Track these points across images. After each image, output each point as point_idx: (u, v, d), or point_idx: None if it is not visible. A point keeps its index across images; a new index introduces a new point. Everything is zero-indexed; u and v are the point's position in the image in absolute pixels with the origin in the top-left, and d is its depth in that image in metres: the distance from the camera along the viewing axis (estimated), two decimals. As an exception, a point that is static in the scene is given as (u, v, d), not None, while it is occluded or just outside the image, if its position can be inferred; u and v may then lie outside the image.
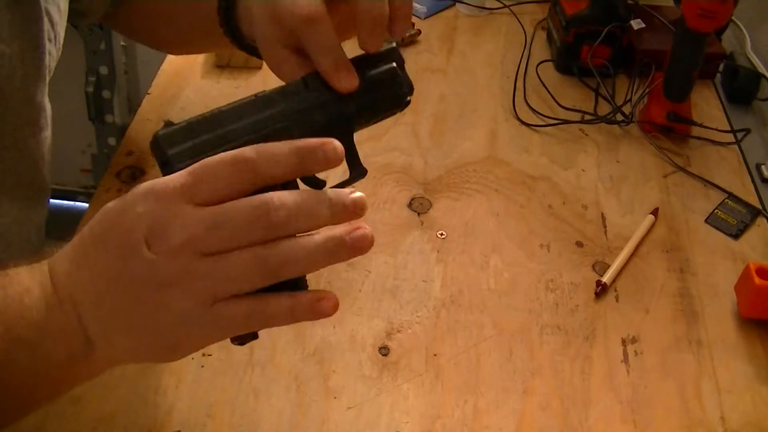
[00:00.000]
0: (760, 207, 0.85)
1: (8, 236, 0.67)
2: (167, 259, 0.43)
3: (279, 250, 0.44)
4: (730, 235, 0.81)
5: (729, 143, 0.93)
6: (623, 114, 0.94)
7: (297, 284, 0.46)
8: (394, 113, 0.55)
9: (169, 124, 0.48)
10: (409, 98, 0.55)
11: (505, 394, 0.64)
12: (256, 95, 0.51)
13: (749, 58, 1.07)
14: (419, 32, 1.06)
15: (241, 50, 0.68)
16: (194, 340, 0.46)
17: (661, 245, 0.79)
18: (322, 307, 0.46)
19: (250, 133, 0.49)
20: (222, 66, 0.96)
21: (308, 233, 0.45)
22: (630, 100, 0.96)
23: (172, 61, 0.97)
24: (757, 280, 0.70)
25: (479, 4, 1.13)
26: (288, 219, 0.44)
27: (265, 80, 0.95)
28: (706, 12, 0.84)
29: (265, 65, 0.97)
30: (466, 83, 0.99)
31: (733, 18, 1.11)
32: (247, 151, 0.44)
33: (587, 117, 0.95)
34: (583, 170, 0.88)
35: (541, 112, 0.95)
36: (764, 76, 1.03)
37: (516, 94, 0.97)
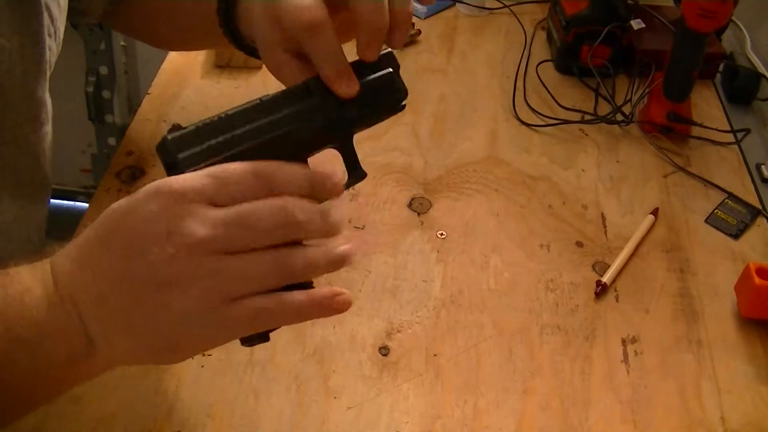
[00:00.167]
0: (760, 207, 0.85)
1: (9, 234, 0.67)
2: (186, 257, 0.43)
3: (300, 253, 0.46)
4: (730, 235, 0.81)
5: (729, 143, 0.93)
6: (623, 114, 0.94)
7: (304, 285, 0.47)
8: (389, 117, 0.56)
9: (176, 127, 0.48)
10: (404, 103, 0.55)
11: (505, 394, 0.64)
12: (261, 99, 0.51)
13: (749, 58, 1.07)
14: (419, 32, 1.06)
15: (240, 51, 0.68)
16: (201, 340, 0.47)
17: (661, 245, 0.79)
18: (338, 303, 0.47)
19: (256, 137, 0.50)
20: (222, 66, 0.96)
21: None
22: (630, 100, 0.96)
23: (172, 60, 0.97)
24: (757, 280, 0.70)
25: (479, 4, 1.13)
26: (306, 223, 0.45)
27: (265, 80, 0.95)
28: (706, 12, 0.84)
29: (264, 65, 0.97)
30: (466, 83, 0.99)
31: (733, 18, 1.11)
32: (269, 166, 0.46)
33: (587, 117, 0.95)
34: (583, 170, 0.88)
35: (541, 112, 0.95)
36: (764, 76, 1.03)
37: (516, 94, 0.97)
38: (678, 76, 0.91)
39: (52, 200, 0.75)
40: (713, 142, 0.93)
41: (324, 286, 0.47)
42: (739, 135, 0.93)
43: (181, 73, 0.95)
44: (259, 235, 0.44)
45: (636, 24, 1.00)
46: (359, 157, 0.55)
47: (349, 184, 0.54)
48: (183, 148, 0.47)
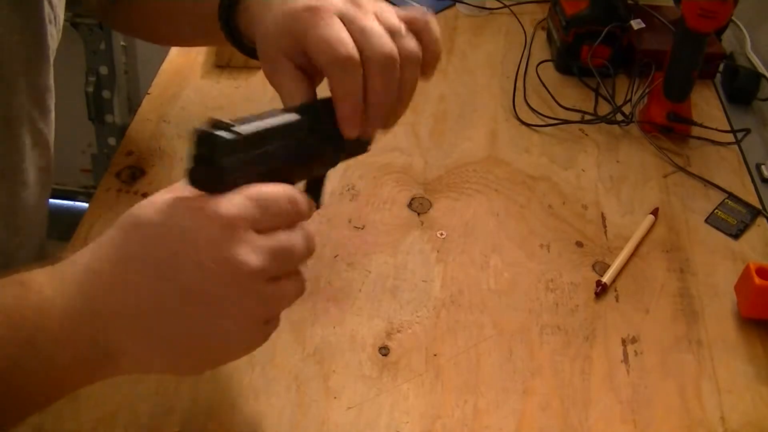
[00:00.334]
0: (760, 207, 0.85)
1: (24, 225, 0.68)
2: (235, 283, 0.45)
3: (304, 275, 0.50)
4: (730, 235, 0.81)
5: (729, 143, 0.93)
6: (623, 114, 0.94)
7: None
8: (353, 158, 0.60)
9: (220, 124, 0.47)
10: (370, 147, 0.60)
11: (505, 394, 0.64)
12: (299, 116, 0.53)
13: (749, 58, 1.07)
14: (419, 32, 1.06)
15: (238, 50, 0.68)
16: (233, 356, 0.49)
17: (661, 245, 0.79)
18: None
19: (289, 157, 0.52)
20: (222, 66, 0.96)
21: None
22: (630, 100, 0.96)
23: (172, 61, 0.97)
24: (757, 280, 0.70)
25: (479, 4, 1.13)
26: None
27: (265, 80, 0.95)
28: (706, 12, 0.84)
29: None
30: (466, 83, 0.99)
31: (733, 18, 1.11)
32: (296, 193, 0.49)
33: (587, 117, 0.95)
34: (583, 170, 0.88)
35: (541, 112, 0.95)
36: (764, 76, 1.03)
37: (516, 94, 0.97)
38: (678, 76, 0.91)
39: (51, 200, 0.75)
40: (713, 142, 0.93)
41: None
42: (739, 135, 0.93)
43: (181, 73, 0.95)
44: (294, 263, 0.49)
45: (636, 24, 1.01)
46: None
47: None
48: (230, 153, 0.46)
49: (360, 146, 0.59)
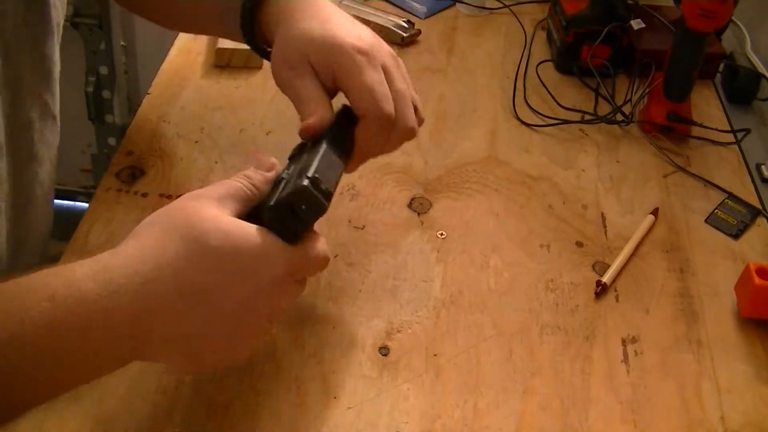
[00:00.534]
0: (760, 207, 0.85)
1: (36, 200, 0.70)
2: (268, 321, 0.53)
3: None
4: (730, 235, 0.81)
5: (729, 143, 0.93)
6: (623, 114, 0.94)
7: None
8: None
9: (315, 182, 0.53)
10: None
11: (505, 394, 0.64)
12: (330, 156, 0.58)
13: (749, 58, 1.07)
14: (419, 32, 1.06)
15: (248, 44, 0.70)
16: (241, 358, 0.55)
17: (661, 245, 0.79)
18: None
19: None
20: (222, 66, 0.96)
21: None
22: (630, 100, 0.96)
23: (172, 61, 0.97)
24: (757, 280, 0.70)
25: (479, 4, 1.13)
26: None
27: (265, 80, 0.95)
28: (706, 12, 0.84)
29: (265, 65, 0.98)
30: (466, 83, 0.99)
31: (733, 18, 1.11)
32: (328, 250, 0.56)
33: (587, 117, 0.95)
34: (583, 170, 0.88)
35: (541, 112, 0.95)
36: (764, 76, 1.03)
37: (516, 94, 0.97)
38: (678, 76, 0.91)
39: (51, 200, 0.75)
40: (713, 142, 0.93)
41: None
42: (739, 135, 0.93)
43: (181, 73, 0.95)
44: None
45: (636, 24, 1.01)
46: None
47: None
48: (317, 214, 0.54)
49: None
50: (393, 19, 1.06)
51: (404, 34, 1.04)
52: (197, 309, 0.49)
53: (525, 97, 0.97)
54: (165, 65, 0.97)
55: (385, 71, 0.61)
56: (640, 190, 0.86)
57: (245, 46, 0.94)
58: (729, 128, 0.96)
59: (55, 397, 0.49)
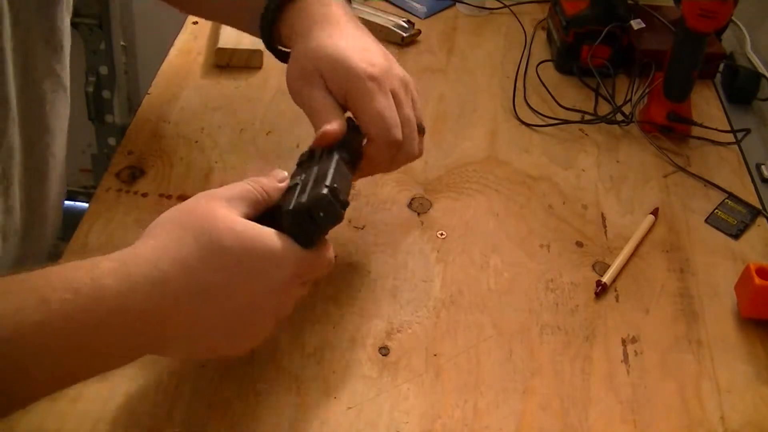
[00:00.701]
0: (760, 207, 0.85)
1: (50, 173, 0.71)
2: (270, 315, 0.55)
3: None
4: (730, 235, 0.81)
5: (729, 143, 0.93)
6: (623, 114, 0.94)
7: None
8: None
9: (334, 191, 0.56)
10: None
11: (505, 394, 0.64)
12: (342, 167, 0.60)
13: (749, 58, 1.07)
14: (419, 32, 1.06)
15: (264, 43, 0.71)
16: (247, 349, 0.57)
17: (661, 245, 0.79)
18: None
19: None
20: (222, 66, 0.96)
21: None
22: (630, 100, 0.96)
23: (172, 61, 0.97)
24: (757, 280, 0.70)
25: (479, 4, 1.13)
26: None
27: (265, 81, 0.95)
28: (706, 12, 0.84)
29: (265, 65, 0.98)
30: (466, 83, 0.99)
31: (733, 18, 1.11)
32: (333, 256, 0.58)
33: (587, 117, 0.95)
34: (583, 170, 0.88)
35: (541, 112, 0.95)
36: (764, 76, 1.03)
37: (516, 94, 0.97)
38: (678, 76, 0.91)
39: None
40: (713, 142, 0.93)
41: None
42: (739, 135, 0.93)
43: (181, 73, 0.95)
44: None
45: (636, 24, 1.00)
46: None
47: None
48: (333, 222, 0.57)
49: None
50: (393, 19, 1.06)
51: (404, 34, 1.04)
52: (209, 307, 0.51)
53: (525, 97, 0.97)
54: (165, 65, 0.97)
55: (394, 97, 0.64)
56: (640, 190, 0.86)
57: (245, 46, 0.95)
58: (729, 128, 0.96)
59: (64, 388, 0.51)
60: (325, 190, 0.55)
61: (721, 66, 1.04)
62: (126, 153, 0.83)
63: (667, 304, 0.73)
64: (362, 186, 0.81)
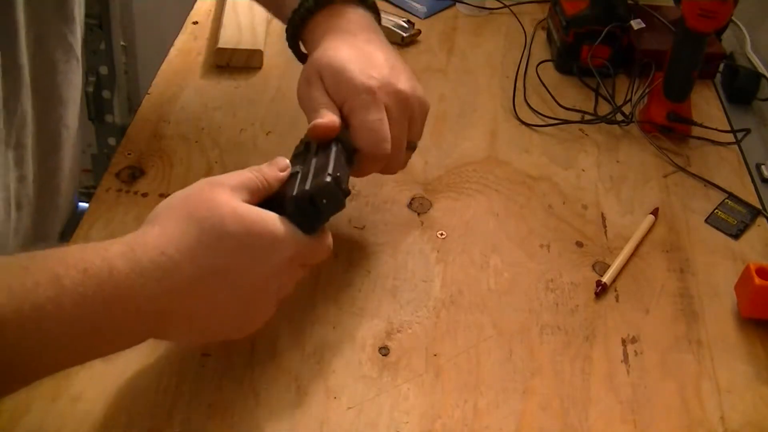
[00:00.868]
0: (760, 207, 0.85)
1: (63, 144, 0.73)
2: (272, 293, 0.57)
3: None
4: (730, 235, 0.81)
5: (729, 143, 0.93)
6: (623, 114, 0.94)
7: None
8: None
9: (337, 179, 0.58)
10: None
11: (505, 394, 0.64)
12: (341, 158, 0.62)
13: (749, 58, 1.07)
14: (419, 32, 1.06)
15: (289, 45, 0.74)
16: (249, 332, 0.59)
17: (661, 245, 0.79)
18: None
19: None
20: (222, 66, 0.96)
21: None
22: (630, 100, 0.96)
23: (172, 61, 0.97)
24: (757, 280, 0.70)
25: (479, 4, 1.13)
26: None
27: (266, 80, 0.95)
28: (706, 12, 0.84)
29: (265, 65, 0.98)
30: (466, 83, 0.99)
31: (733, 18, 1.11)
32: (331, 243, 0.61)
33: (587, 117, 0.95)
34: (583, 170, 0.88)
35: (541, 112, 0.95)
36: (764, 76, 1.03)
37: (516, 94, 0.97)
38: (678, 76, 0.91)
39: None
40: (713, 142, 0.93)
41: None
42: (739, 135, 0.93)
43: (181, 73, 0.95)
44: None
45: (636, 24, 1.00)
46: None
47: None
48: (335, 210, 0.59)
49: None
50: (393, 19, 1.06)
51: (404, 34, 1.04)
52: (215, 290, 0.53)
53: (525, 97, 0.97)
54: (165, 65, 0.97)
55: (388, 111, 0.65)
56: (640, 190, 0.86)
57: (245, 46, 0.95)
58: (729, 128, 0.96)
59: (71, 366, 0.52)
60: (328, 178, 0.57)
61: (721, 66, 1.04)
62: (126, 153, 0.83)
63: (667, 304, 0.73)
64: (362, 186, 0.81)
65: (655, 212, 0.82)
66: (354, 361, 0.65)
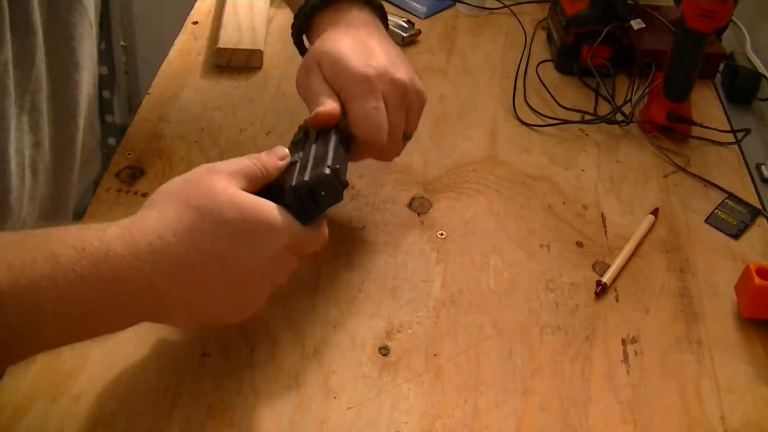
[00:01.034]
0: (760, 207, 0.85)
1: (78, 110, 0.73)
2: (268, 280, 0.58)
3: None
4: (730, 235, 0.81)
5: (729, 143, 0.93)
6: (623, 114, 0.94)
7: None
8: None
9: (336, 172, 0.58)
10: None
11: (505, 394, 0.64)
12: (339, 149, 0.62)
13: (749, 58, 1.07)
14: (419, 32, 1.06)
15: (294, 38, 0.75)
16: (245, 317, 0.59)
17: (661, 245, 0.79)
18: None
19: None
20: (222, 66, 0.96)
21: None
22: (630, 100, 0.96)
23: (172, 61, 0.97)
24: (757, 280, 0.70)
25: (479, 4, 1.13)
26: None
27: (266, 80, 0.95)
28: (706, 12, 0.84)
29: (265, 65, 0.98)
30: (466, 83, 0.99)
31: (733, 18, 1.11)
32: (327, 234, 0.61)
33: (587, 117, 0.95)
34: (583, 170, 0.88)
35: (541, 112, 0.95)
36: (764, 76, 1.03)
37: (516, 94, 0.97)
38: (678, 76, 0.91)
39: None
40: (713, 142, 0.93)
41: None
42: (739, 135, 0.93)
43: (181, 73, 0.95)
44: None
45: (636, 24, 1.00)
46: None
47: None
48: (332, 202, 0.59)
49: None
50: (393, 19, 1.06)
51: (404, 34, 1.04)
52: (211, 275, 0.54)
53: (525, 97, 0.97)
54: (165, 65, 0.97)
55: (386, 100, 0.66)
56: (640, 190, 0.86)
57: (245, 46, 0.95)
58: (729, 128, 0.96)
59: (67, 343, 0.52)
60: (327, 171, 0.58)
61: (721, 66, 1.04)
62: (126, 153, 0.83)
63: (667, 304, 0.73)
64: (362, 186, 0.81)
65: (655, 212, 0.82)
66: (354, 361, 0.65)
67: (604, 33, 0.98)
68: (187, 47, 1.00)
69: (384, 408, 0.62)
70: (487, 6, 1.14)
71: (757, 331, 0.72)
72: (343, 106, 0.65)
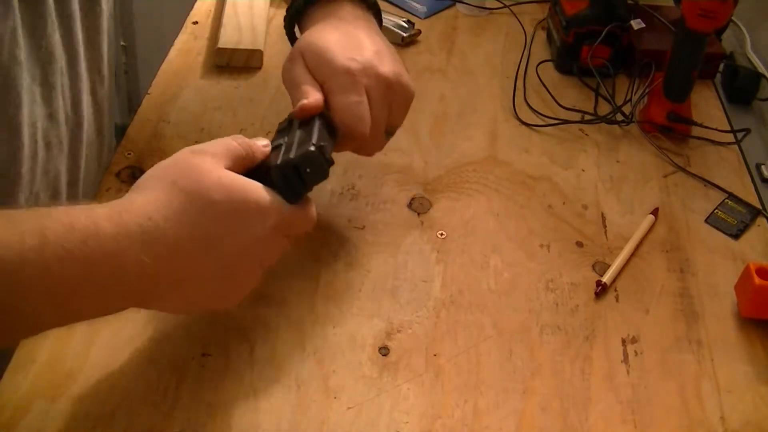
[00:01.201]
0: (760, 207, 0.85)
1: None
2: (261, 266, 0.58)
3: None
4: (730, 235, 0.81)
5: (729, 143, 0.93)
6: (623, 114, 0.94)
7: None
8: None
9: (322, 148, 0.59)
10: None
11: (505, 394, 0.64)
12: (324, 132, 0.62)
13: (749, 58, 1.07)
14: (419, 32, 1.06)
15: (286, 32, 0.76)
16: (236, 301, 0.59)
17: (661, 245, 0.79)
18: None
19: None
20: (222, 66, 0.96)
21: None
22: (630, 100, 0.96)
23: (172, 61, 0.97)
24: (757, 280, 0.70)
25: (479, 4, 1.13)
26: None
27: (266, 80, 0.95)
28: (706, 12, 0.84)
29: (265, 65, 0.98)
30: (466, 83, 0.99)
31: (733, 18, 1.11)
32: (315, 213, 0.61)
33: (587, 117, 0.95)
34: (583, 170, 0.88)
35: (541, 112, 0.95)
36: (764, 76, 1.03)
37: (516, 94, 0.97)
38: (678, 76, 0.91)
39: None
40: (713, 142, 0.93)
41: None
42: (739, 135, 0.93)
43: (181, 73, 0.95)
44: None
45: (636, 24, 1.00)
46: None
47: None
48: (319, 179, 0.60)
49: None
50: (393, 19, 1.06)
51: (404, 34, 1.04)
52: (200, 257, 0.53)
53: (525, 97, 0.97)
54: (165, 65, 0.97)
55: (369, 94, 0.65)
56: (640, 190, 0.86)
57: (245, 46, 0.95)
58: (729, 128, 0.96)
59: (53, 327, 0.52)
60: (312, 147, 0.58)
61: (721, 66, 1.04)
62: (126, 153, 0.83)
63: (667, 304, 0.73)
64: (362, 186, 0.81)
65: (655, 212, 0.82)
66: (354, 361, 0.65)
67: (604, 33, 0.98)
68: (187, 47, 1.00)
69: (384, 408, 0.62)
70: (487, 6, 1.14)
71: (757, 331, 0.72)
72: (325, 98, 0.65)
